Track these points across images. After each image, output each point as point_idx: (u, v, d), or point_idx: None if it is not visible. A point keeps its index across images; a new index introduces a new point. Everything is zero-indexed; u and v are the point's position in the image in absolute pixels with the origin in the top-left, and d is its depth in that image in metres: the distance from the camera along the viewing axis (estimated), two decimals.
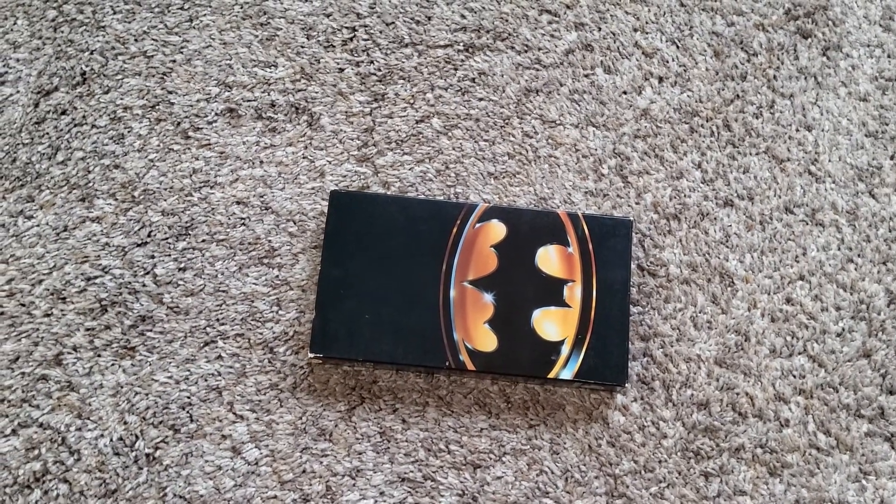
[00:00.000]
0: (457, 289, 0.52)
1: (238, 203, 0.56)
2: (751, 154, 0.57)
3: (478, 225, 0.53)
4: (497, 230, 0.53)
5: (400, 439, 0.52)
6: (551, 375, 0.50)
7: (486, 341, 0.51)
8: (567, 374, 0.50)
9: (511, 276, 0.52)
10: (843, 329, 0.54)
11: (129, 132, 0.57)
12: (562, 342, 0.51)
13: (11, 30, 0.59)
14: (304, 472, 0.51)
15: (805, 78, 0.59)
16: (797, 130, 0.58)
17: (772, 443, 0.52)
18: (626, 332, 0.51)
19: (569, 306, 0.51)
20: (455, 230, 0.53)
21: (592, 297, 0.52)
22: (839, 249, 0.55)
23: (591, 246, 0.53)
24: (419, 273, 0.52)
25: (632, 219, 0.54)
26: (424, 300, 0.51)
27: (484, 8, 0.60)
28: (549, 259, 0.52)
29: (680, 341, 0.54)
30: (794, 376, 0.53)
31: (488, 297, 0.52)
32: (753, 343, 0.54)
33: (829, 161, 0.57)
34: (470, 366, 0.51)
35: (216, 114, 0.58)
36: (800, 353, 0.53)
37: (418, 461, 0.51)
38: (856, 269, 0.55)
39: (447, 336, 0.51)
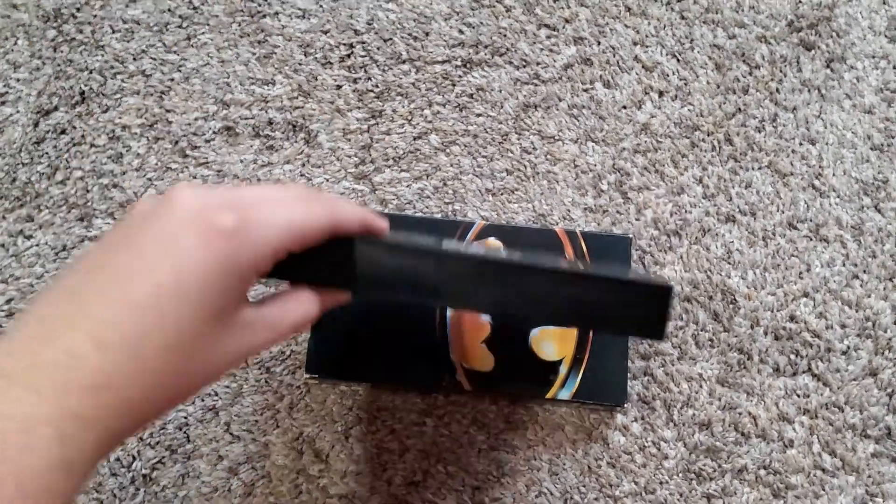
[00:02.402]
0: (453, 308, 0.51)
1: None
2: (753, 169, 0.56)
3: (475, 243, 0.52)
4: (494, 244, 0.52)
5: (397, 460, 0.51)
6: (549, 395, 0.50)
7: (484, 361, 0.50)
8: (565, 395, 0.50)
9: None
10: (849, 347, 0.53)
11: (127, 151, 0.57)
12: (560, 362, 0.50)
13: (12, 50, 0.60)
14: (299, 493, 0.51)
15: (808, 90, 0.58)
16: (800, 144, 0.57)
17: (775, 464, 0.51)
18: (625, 351, 0.50)
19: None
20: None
21: None
22: (844, 265, 0.54)
23: (588, 261, 0.52)
24: None
25: (631, 236, 0.53)
26: (421, 320, 0.51)
27: (482, 23, 0.59)
28: None
29: (681, 360, 0.53)
30: (798, 395, 0.52)
31: (485, 317, 0.51)
32: (756, 361, 0.53)
33: (834, 175, 0.56)
34: (467, 386, 0.50)
35: (214, 132, 0.58)
36: (804, 372, 0.52)
37: (416, 483, 0.51)
38: (861, 286, 0.54)
39: (443, 356, 0.50)
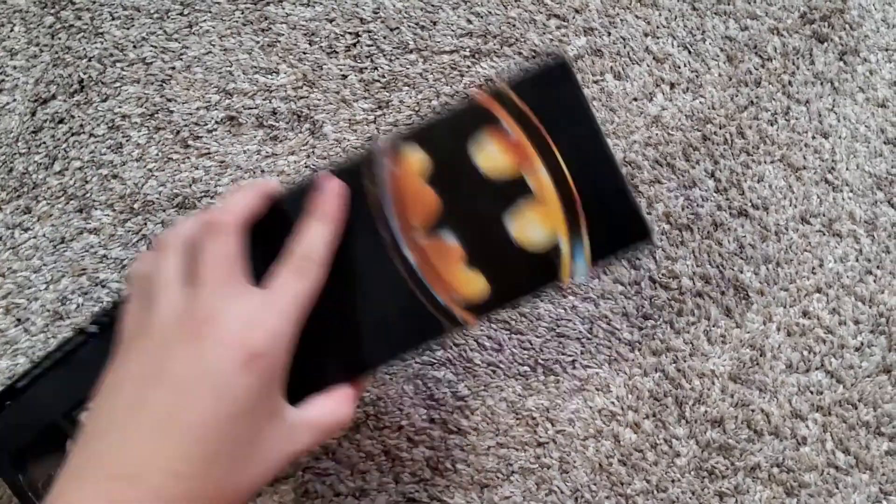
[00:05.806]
0: (411, 247, 0.41)
1: None
2: (765, 162, 0.55)
3: (393, 167, 0.42)
4: (417, 159, 0.42)
5: (405, 458, 0.50)
6: (565, 278, 0.41)
7: (475, 285, 0.41)
8: (582, 268, 0.41)
9: (460, 200, 0.41)
10: (862, 343, 0.52)
11: (127, 141, 0.56)
12: (555, 239, 0.41)
13: (8, 37, 0.58)
14: (306, 492, 0.50)
15: (821, 83, 0.57)
16: (813, 138, 0.56)
17: (788, 462, 0.50)
18: (621, 181, 0.41)
19: (541, 196, 0.41)
20: (369, 184, 0.42)
21: (563, 171, 0.41)
22: (857, 261, 0.54)
23: (532, 116, 0.41)
24: (360, 255, 0.41)
25: (562, 53, 0.44)
26: (385, 281, 0.41)
27: (490, 13, 0.58)
28: (493, 157, 0.41)
29: (693, 356, 0.52)
30: (812, 392, 0.51)
31: (451, 239, 0.41)
32: (769, 358, 0.52)
33: (847, 169, 0.55)
34: (472, 320, 0.41)
35: (216, 122, 0.56)
36: (817, 369, 0.52)
37: (424, 480, 0.50)
38: (875, 282, 0.53)
39: (430, 302, 0.41)
